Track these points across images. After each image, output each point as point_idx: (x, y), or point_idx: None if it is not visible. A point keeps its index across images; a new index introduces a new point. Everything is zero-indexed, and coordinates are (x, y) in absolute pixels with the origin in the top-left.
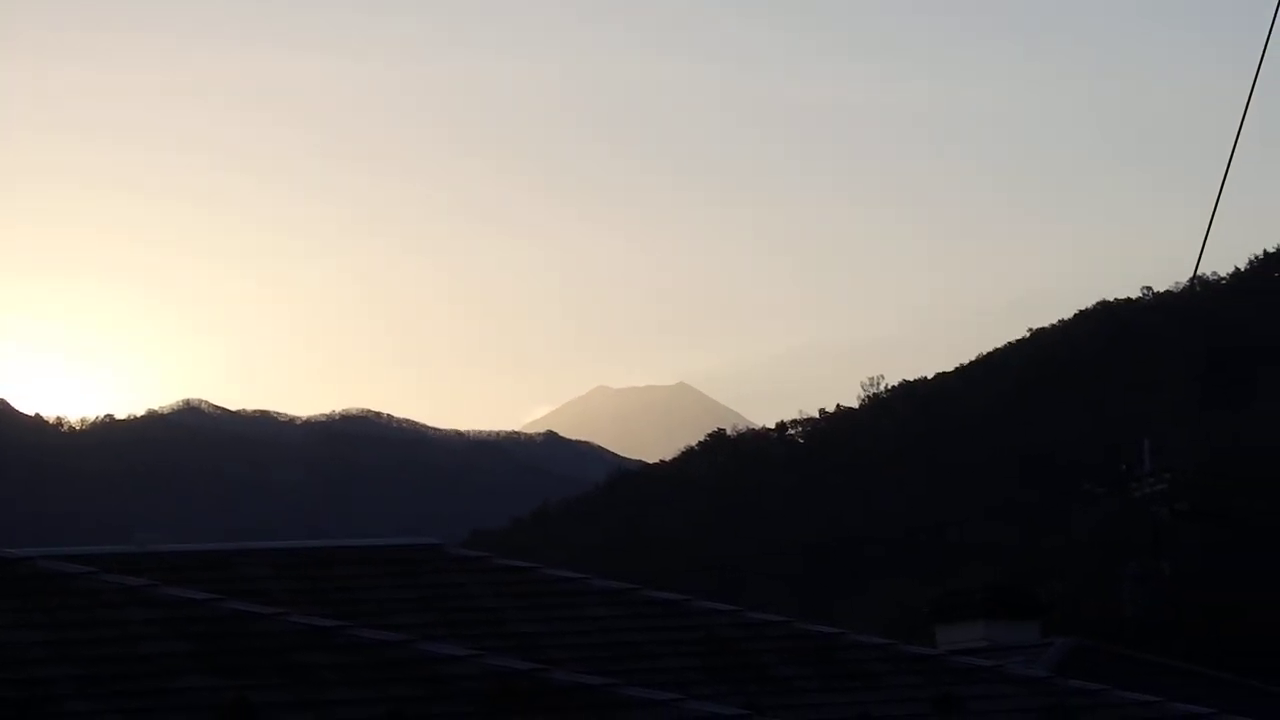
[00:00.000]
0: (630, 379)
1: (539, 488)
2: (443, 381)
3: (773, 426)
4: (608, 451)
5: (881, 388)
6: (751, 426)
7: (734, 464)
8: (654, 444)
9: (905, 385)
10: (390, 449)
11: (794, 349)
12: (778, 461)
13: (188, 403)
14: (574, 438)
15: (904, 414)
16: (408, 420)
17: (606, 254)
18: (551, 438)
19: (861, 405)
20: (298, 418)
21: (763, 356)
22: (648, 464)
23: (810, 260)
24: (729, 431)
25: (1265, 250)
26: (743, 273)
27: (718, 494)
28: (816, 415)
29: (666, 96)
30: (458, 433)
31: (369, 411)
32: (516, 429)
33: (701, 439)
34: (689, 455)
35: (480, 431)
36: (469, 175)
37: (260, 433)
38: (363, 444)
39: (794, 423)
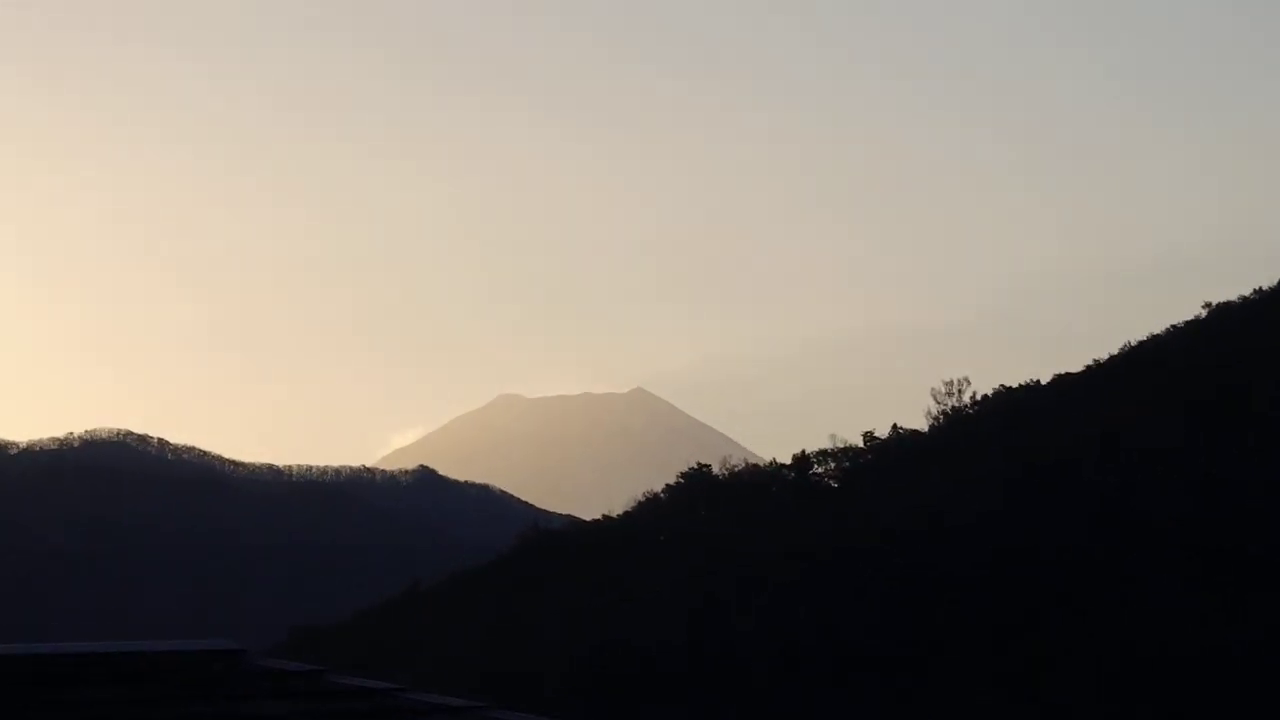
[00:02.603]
0: (556, 383)
1: (396, 557)
2: (257, 395)
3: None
4: (513, 499)
5: None
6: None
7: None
8: (595, 476)
9: None
10: (158, 488)
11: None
12: None
13: None
14: (459, 476)
15: None
16: (189, 449)
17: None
18: (424, 477)
19: None
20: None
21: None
22: (581, 520)
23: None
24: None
25: None
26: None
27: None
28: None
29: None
30: (272, 468)
31: (127, 434)
32: (370, 463)
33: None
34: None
35: (311, 468)
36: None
37: None
38: (123, 480)
39: None
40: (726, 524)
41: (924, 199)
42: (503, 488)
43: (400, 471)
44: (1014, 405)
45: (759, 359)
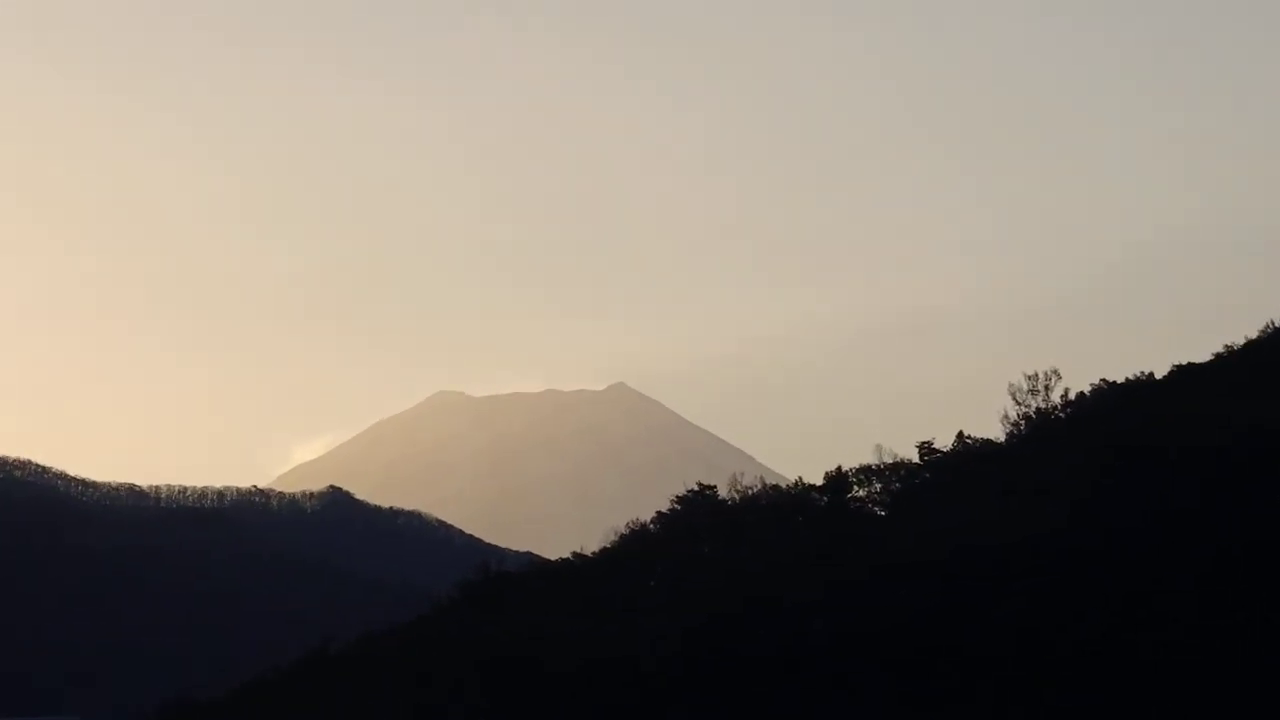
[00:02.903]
0: (512, 378)
1: (297, 607)
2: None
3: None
4: (454, 530)
5: None
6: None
7: None
8: (562, 496)
9: None
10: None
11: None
12: None
13: None
14: (382, 500)
15: None
16: (23, 464)
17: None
18: (335, 501)
19: None
20: None
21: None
22: (543, 559)
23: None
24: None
25: None
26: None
27: None
28: None
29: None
30: (133, 489)
31: None
32: (264, 483)
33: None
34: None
35: (185, 489)
36: None
37: None
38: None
39: None
40: (739, 566)
41: (985, 148)
42: (440, 515)
43: (304, 494)
44: (1119, 404)
45: (771, 349)
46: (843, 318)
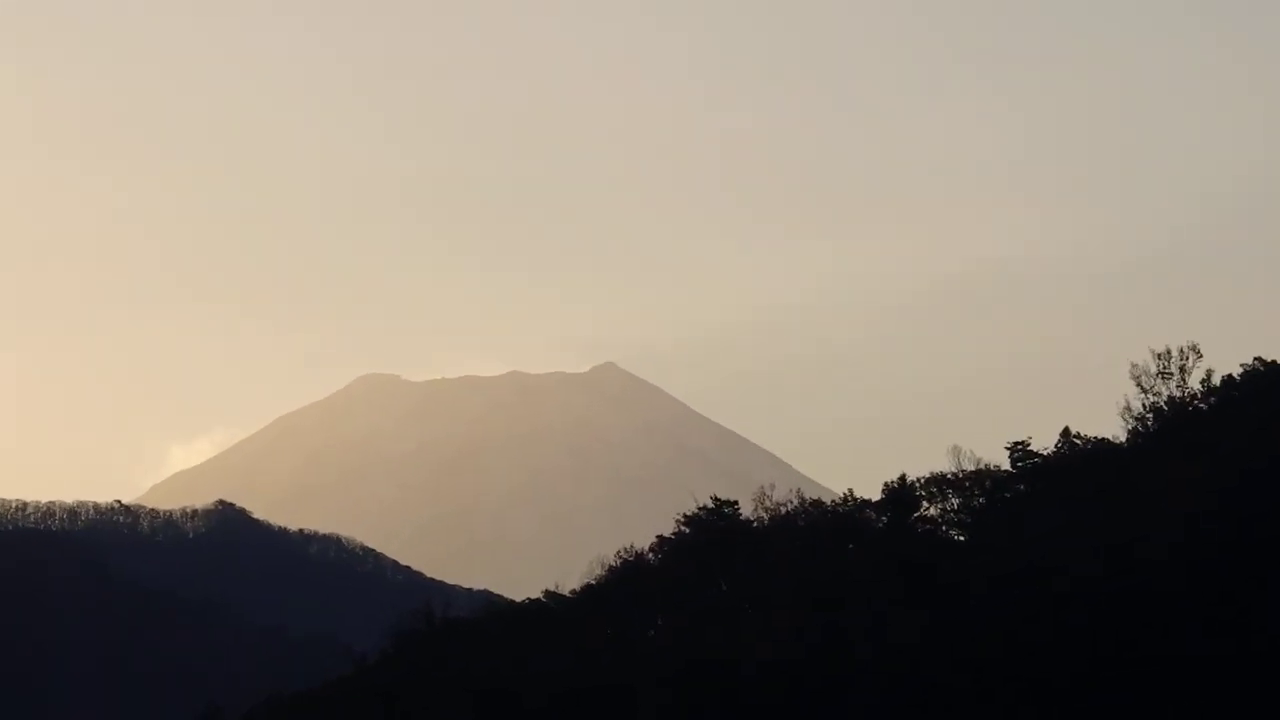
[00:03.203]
0: (461, 359)
1: (174, 658)
2: None
3: None
4: (385, 560)
5: None
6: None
7: None
8: (531, 508)
9: None
10: None
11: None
12: None
13: None
14: (288, 520)
15: None
16: None
17: None
18: (226, 521)
19: None
20: None
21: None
22: (502, 599)
23: None
24: None
25: None
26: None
27: None
28: None
29: None
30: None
31: None
32: (131, 498)
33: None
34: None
35: (22, 505)
36: None
37: None
38: None
39: None
40: (773, 623)
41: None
42: (366, 540)
43: (184, 512)
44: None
45: (802, 319)
46: (893, 276)
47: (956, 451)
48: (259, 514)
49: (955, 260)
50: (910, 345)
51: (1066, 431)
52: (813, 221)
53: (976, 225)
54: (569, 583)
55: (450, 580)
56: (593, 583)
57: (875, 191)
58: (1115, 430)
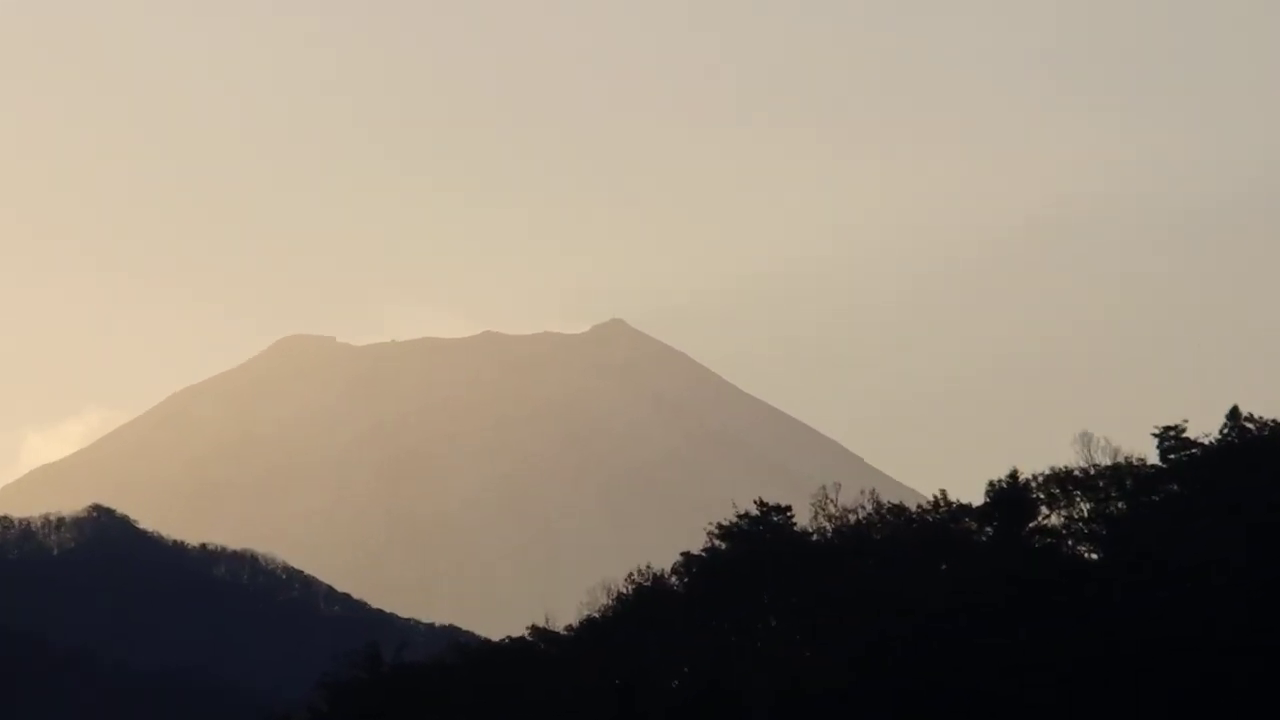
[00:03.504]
0: (421, 317)
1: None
2: None
3: None
4: (320, 585)
5: None
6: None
7: None
8: (511, 509)
9: None
10: None
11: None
12: None
13: None
14: (188, 532)
15: None
16: None
17: None
18: (103, 531)
19: None
20: None
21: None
22: (475, 637)
23: None
24: None
25: None
26: None
27: None
28: None
29: None
30: None
31: None
32: None
33: None
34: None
35: None
36: None
37: None
38: None
39: None
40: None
41: None
42: (290, 559)
43: (45, 520)
44: None
45: (866, 266)
46: (972, 211)
47: (1085, 440)
48: (145, 523)
49: (1045, 197)
50: (1003, 298)
51: (1235, 413)
52: (869, 141)
53: (1069, 152)
54: (562, 616)
55: (403, 613)
56: (595, 616)
57: (940, 110)
58: None
